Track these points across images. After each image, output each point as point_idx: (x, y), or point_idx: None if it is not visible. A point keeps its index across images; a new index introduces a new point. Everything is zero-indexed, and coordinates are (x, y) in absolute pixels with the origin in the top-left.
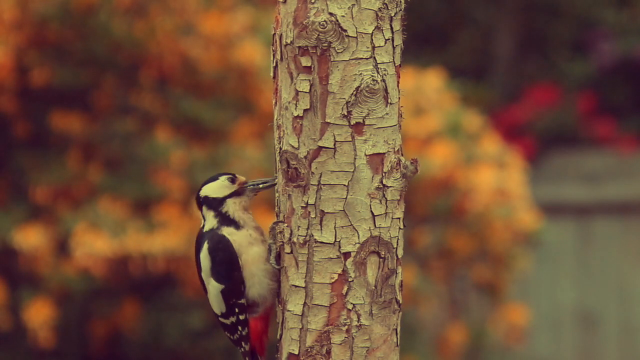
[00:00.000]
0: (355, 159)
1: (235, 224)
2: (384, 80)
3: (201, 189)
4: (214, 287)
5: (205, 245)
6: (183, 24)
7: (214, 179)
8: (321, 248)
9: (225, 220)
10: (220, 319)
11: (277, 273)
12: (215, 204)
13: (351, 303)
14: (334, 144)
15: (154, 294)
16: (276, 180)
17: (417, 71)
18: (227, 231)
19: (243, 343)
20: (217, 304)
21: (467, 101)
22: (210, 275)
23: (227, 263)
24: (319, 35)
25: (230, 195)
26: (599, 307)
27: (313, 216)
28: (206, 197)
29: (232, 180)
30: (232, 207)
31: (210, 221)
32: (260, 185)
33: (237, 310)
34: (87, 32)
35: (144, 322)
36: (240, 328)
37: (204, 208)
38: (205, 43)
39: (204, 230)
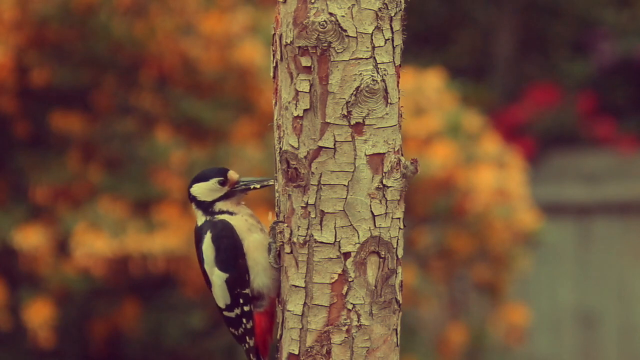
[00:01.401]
0: (355, 159)
1: (229, 213)
2: (384, 80)
3: (192, 185)
4: (218, 277)
5: (208, 234)
6: (183, 24)
7: (205, 177)
8: (321, 248)
9: (218, 213)
10: (225, 312)
11: (279, 262)
12: (204, 205)
13: (351, 303)
14: (334, 144)
15: (154, 294)
16: (270, 181)
17: (417, 71)
18: (223, 217)
19: (247, 338)
20: (221, 295)
21: (467, 101)
22: (214, 265)
23: (231, 250)
24: (319, 35)
25: (219, 199)
26: (599, 307)
27: (313, 216)
28: (194, 198)
29: (223, 182)
30: (222, 207)
31: (201, 218)
32: (251, 187)
33: (241, 301)
34: (87, 32)
35: (144, 322)
36: (244, 321)
37: (193, 205)
38: (205, 43)
39: (199, 224)
